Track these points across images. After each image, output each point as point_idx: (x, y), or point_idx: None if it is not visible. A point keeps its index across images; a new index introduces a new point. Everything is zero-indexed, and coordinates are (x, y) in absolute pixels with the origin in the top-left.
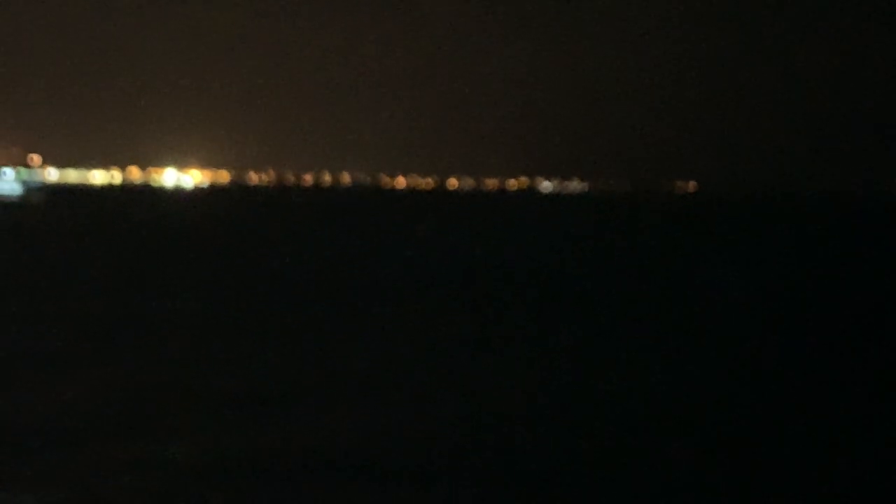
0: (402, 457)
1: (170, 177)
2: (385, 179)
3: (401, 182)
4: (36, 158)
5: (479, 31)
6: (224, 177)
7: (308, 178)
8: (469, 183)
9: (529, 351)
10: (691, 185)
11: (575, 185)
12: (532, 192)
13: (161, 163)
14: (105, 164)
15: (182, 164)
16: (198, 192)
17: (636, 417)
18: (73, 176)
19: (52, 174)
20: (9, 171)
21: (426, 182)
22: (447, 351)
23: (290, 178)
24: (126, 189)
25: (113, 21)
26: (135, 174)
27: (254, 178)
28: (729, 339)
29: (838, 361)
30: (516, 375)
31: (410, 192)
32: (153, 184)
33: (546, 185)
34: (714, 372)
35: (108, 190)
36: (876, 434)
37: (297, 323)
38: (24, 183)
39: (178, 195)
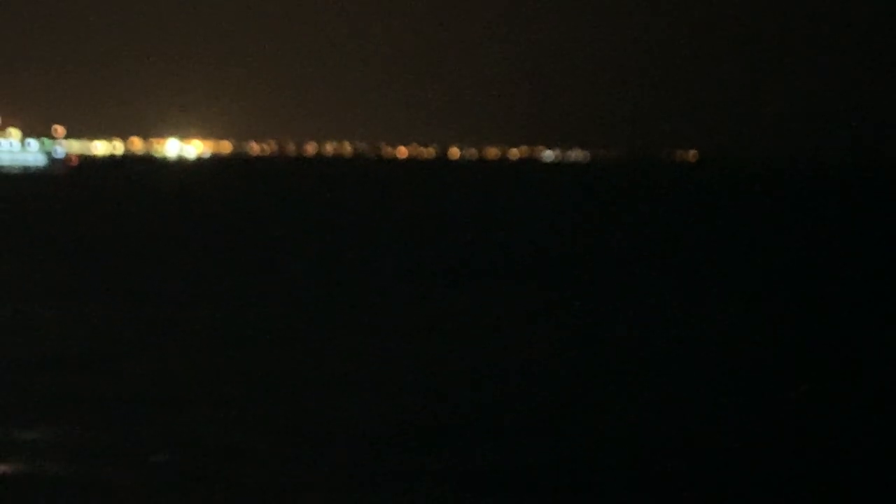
0: (407, 440)
1: (172, 147)
2: (387, 149)
3: (402, 152)
4: (60, 129)
5: (481, 1)
6: (226, 147)
7: (310, 149)
8: (471, 152)
9: (531, 320)
10: (692, 154)
11: (576, 154)
12: (533, 161)
13: (162, 133)
14: (107, 135)
15: (183, 135)
16: (202, 163)
17: (640, 391)
18: (75, 146)
19: (31, 144)
20: (33, 143)
21: (428, 151)
22: (449, 321)
23: (292, 147)
24: (141, 160)
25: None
26: (137, 145)
27: (255, 148)
28: (730, 307)
29: (841, 327)
30: (518, 343)
31: (412, 161)
32: (155, 154)
33: (548, 154)
34: (716, 339)
35: (127, 161)
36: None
37: (298, 294)
38: (48, 154)
39: (186, 166)
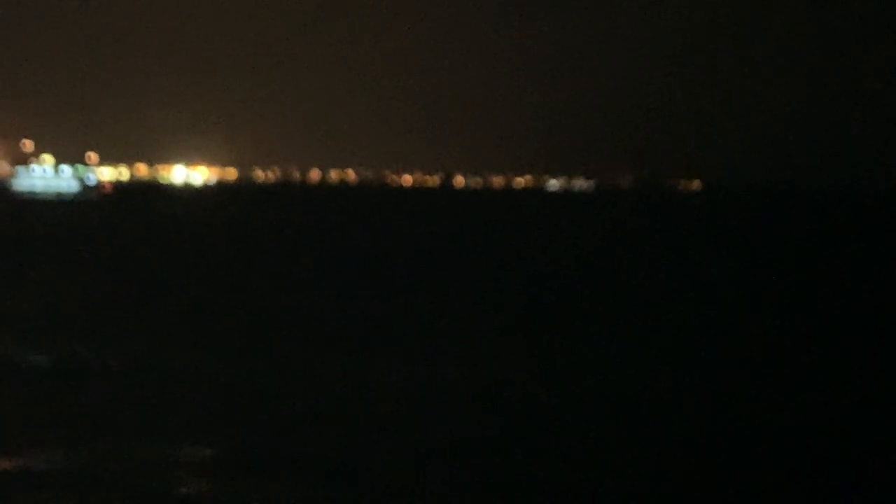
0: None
1: (179, 174)
2: (391, 177)
3: (407, 180)
4: (93, 156)
5: (487, 30)
6: (231, 174)
7: (314, 176)
8: (475, 181)
9: (536, 348)
10: (695, 184)
11: (581, 184)
12: (538, 190)
13: (166, 160)
14: (113, 161)
15: (188, 161)
16: (211, 190)
17: (643, 416)
18: (81, 173)
19: (65, 171)
20: (66, 169)
21: (432, 180)
22: (452, 348)
23: (296, 175)
24: (157, 187)
25: (123, 18)
26: (142, 171)
27: (260, 175)
28: (733, 336)
29: (842, 358)
30: (522, 372)
31: (417, 189)
32: (161, 181)
33: (553, 184)
34: (716, 369)
35: (149, 188)
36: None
37: (304, 320)
38: (81, 181)
39: (203, 193)
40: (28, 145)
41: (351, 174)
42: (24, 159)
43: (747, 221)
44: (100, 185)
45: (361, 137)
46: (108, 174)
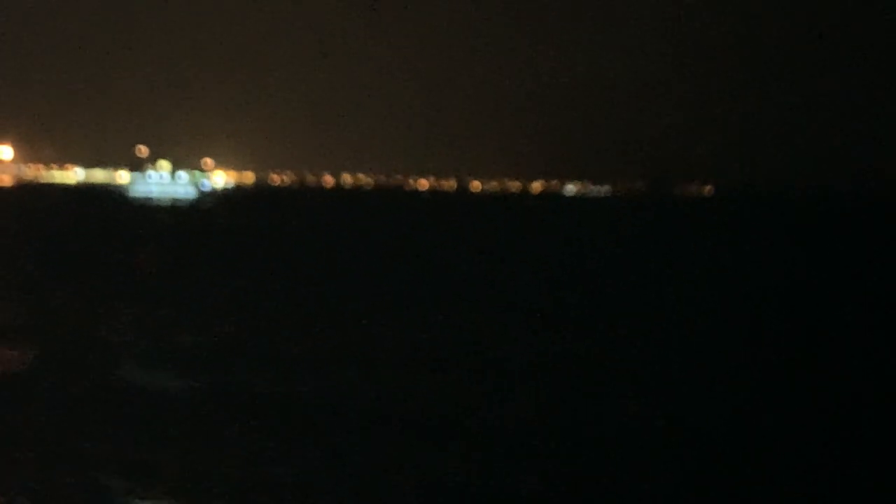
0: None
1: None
2: (407, 181)
3: (423, 184)
4: (209, 162)
5: (502, 34)
6: (249, 178)
7: (328, 180)
8: (492, 186)
9: (552, 352)
10: (707, 189)
11: (598, 189)
12: (555, 194)
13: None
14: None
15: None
16: (234, 193)
17: (655, 422)
18: (100, 176)
19: (80, 174)
20: (183, 175)
21: (448, 184)
22: (468, 352)
23: (311, 179)
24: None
25: (141, 24)
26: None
27: (275, 179)
28: (746, 341)
29: (854, 363)
30: (536, 379)
31: (433, 194)
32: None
33: (570, 188)
34: (729, 374)
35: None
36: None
37: (318, 325)
38: (198, 187)
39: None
40: (143, 150)
41: (364, 178)
42: (139, 165)
43: (759, 225)
44: (216, 191)
45: (377, 141)
46: (128, 178)
